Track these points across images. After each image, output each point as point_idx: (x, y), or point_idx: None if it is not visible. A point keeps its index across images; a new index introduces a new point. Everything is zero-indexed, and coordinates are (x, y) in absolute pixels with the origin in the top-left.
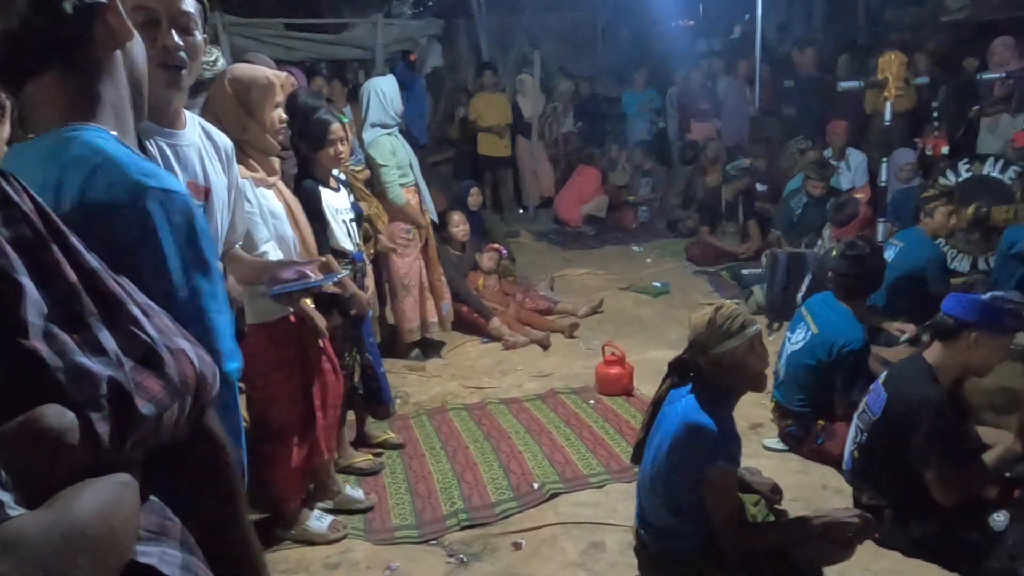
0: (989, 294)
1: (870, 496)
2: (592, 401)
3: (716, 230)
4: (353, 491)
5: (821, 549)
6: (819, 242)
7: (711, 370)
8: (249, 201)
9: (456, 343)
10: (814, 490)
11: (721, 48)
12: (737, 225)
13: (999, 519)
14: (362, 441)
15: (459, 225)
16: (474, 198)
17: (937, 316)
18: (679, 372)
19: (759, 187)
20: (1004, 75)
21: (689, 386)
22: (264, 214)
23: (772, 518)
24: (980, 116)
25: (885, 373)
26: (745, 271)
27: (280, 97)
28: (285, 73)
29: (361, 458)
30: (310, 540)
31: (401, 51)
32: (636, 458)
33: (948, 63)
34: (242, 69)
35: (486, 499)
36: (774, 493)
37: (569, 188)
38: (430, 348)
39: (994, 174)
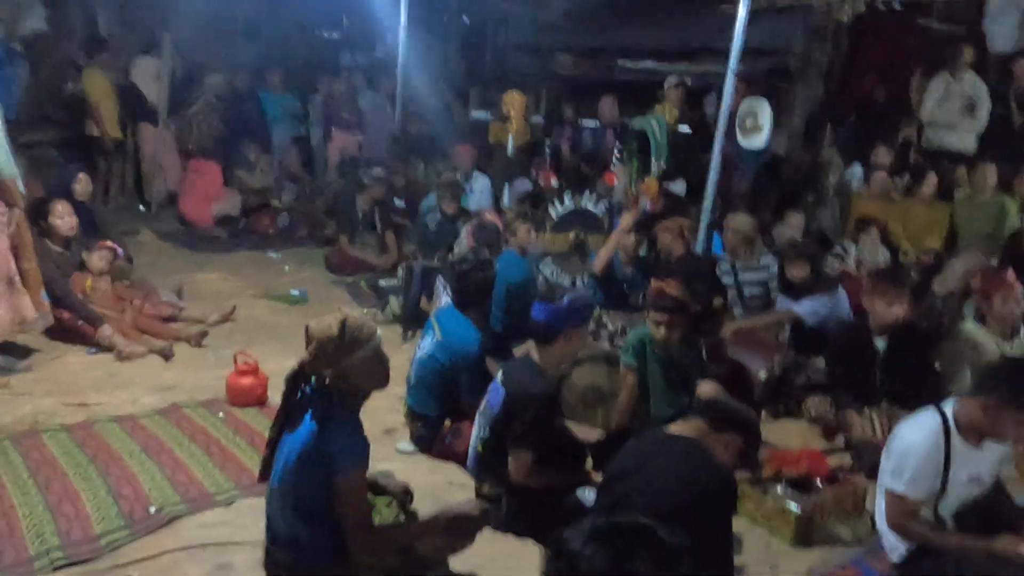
0: (566, 298)
1: (491, 486)
2: (221, 414)
3: (355, 240)
4: None
5: (445, 541)
6: (450, 257)
7: (337, 380)
8: None
9: (54, 354)
10: (442, 488)
11: (365, 64)
12: (375, 236)
13: (587, 495)
14: None
15: (63, 217)
16: (82, 186)
17: (531, 323)
18: (300, 383)
19: (397, 202)
20: (597, 125)
21: (312, 396)
22: None
23: (403, 518)
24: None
25: (501, 372)
26: (382, 282)
27: None
28: None
29: None
30: None
31: None
32: (264, 475)
33: (558, 108)
34: None
35: (89, 532)
36: (405, 494)
37: (192, 186)
38: (14, 357)
39: (590, 207)
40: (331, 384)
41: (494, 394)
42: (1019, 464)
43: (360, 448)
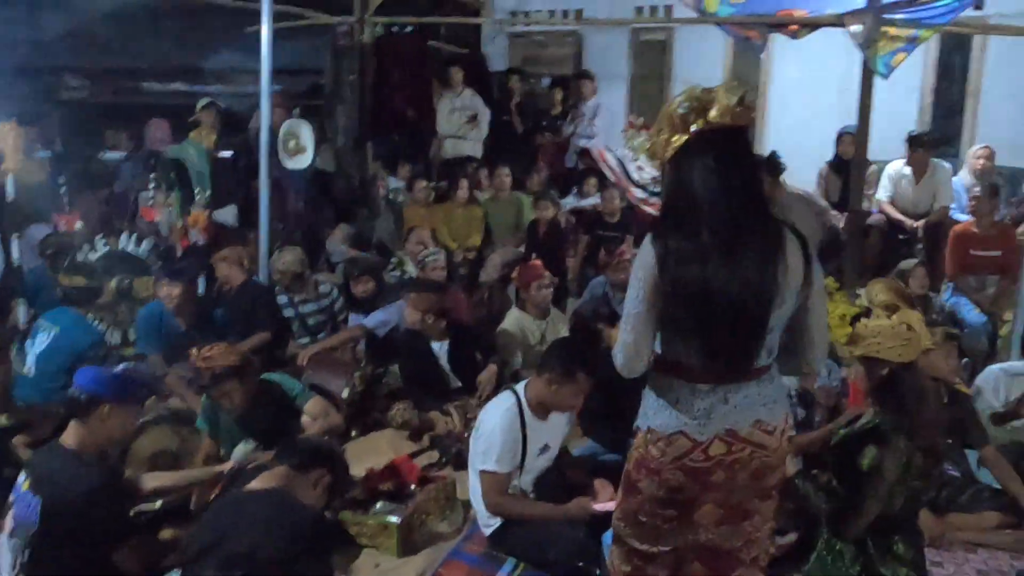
0: (121, 366)
1: None
2: None
3: None
4: None
5: None
6: None
7: None
8: None
9: None
10: None
11: None
12: None
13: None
14: None
15: None
16: None
17: (71, 391)
18: None
19: None
20: (124, 156)
21: None
22: None
23: None
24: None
25: (29, 479)
26: None
27: None
28: None
29: None
30: None
31: None
32: None
33: (73, 138)
34: None
35: None
36: None
37: None
38: None
39: (131, 249)
40: None
41: (22, 506)
42: (577, 429)
43: None
